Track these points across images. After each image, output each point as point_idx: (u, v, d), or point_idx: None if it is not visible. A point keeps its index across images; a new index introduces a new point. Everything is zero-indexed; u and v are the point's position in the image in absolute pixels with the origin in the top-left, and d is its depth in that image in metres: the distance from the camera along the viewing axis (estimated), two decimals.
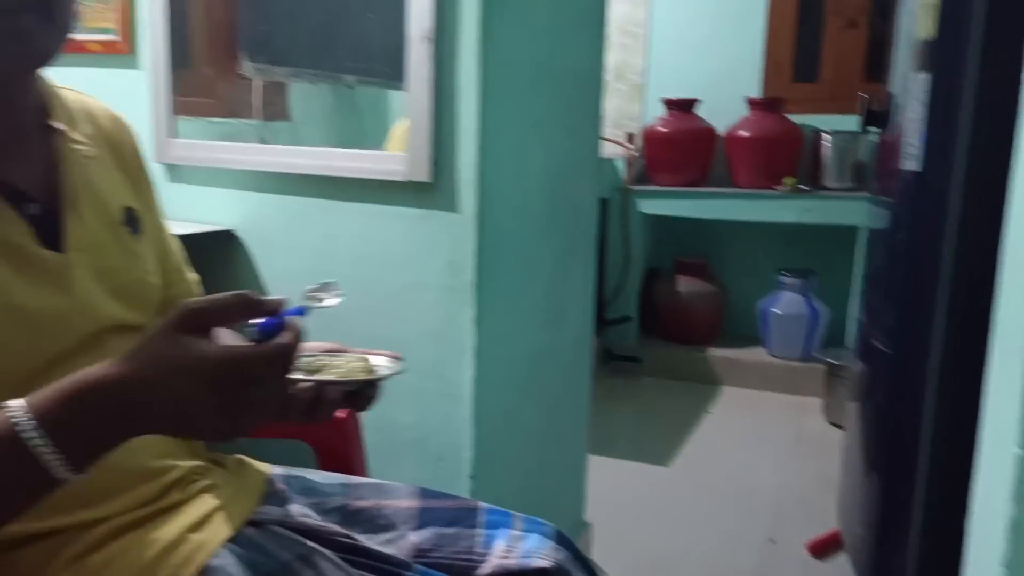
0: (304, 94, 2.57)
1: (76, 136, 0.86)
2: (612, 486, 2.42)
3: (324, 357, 0.85)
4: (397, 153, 1.42)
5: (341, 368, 0.82)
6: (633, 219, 3.58)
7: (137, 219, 0.94)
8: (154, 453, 0.86)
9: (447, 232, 1.40)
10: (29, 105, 0.82)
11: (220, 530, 0.86)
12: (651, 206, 3.55)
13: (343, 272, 1.49)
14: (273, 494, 0.98)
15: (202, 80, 1.98)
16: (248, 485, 0.96)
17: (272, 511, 0.94)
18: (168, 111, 1.57)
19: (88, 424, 0.62)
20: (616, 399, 3.30)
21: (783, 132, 3.34)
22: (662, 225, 3.80)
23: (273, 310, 0.66)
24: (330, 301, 0.76)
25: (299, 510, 0.96)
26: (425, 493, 1.04)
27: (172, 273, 1.00)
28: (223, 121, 2.15)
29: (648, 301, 3.76)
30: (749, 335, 3.68)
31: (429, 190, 1.40)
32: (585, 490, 1.96)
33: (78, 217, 0.83)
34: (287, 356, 0.64)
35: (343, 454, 1.18)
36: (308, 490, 1.01)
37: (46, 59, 0.77)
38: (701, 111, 3.50)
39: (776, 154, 3.34)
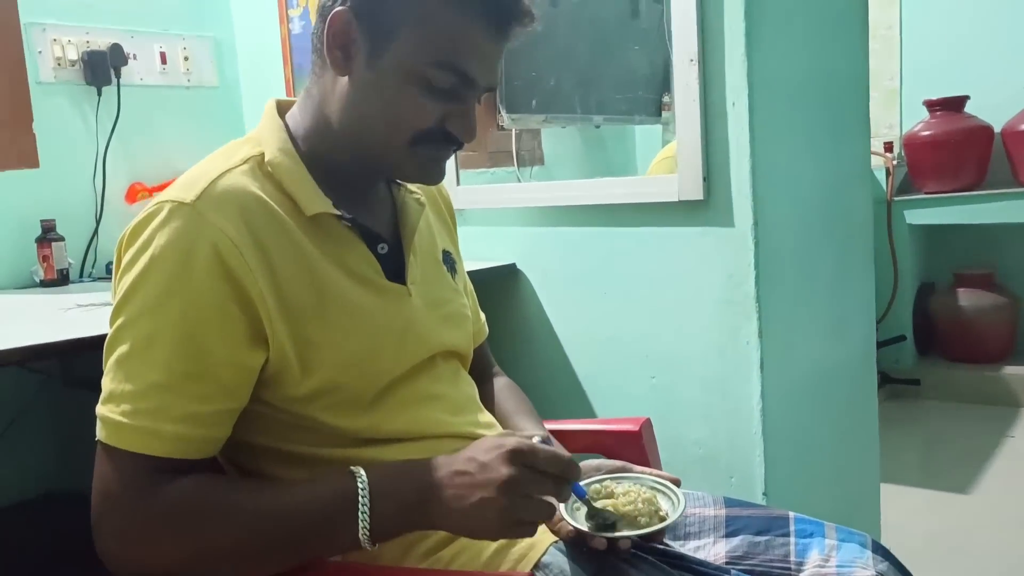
0: (555, 139, 2.71)
1: (411, 188, 1.00)
2: (906, 513, 2.25)
3: (610, 483, 0.91)
4: (668, 175, 1.46)
5: (626, 504, 0.86)
6: (899, 231, 3.34)
7: (453, 261, 1.07)
8: None
9: (723, 247, 1.40)
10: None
11: (548, 532, 0.92)
12: (920, 216, 3.29)
13: (622, 294, 1.54)
14: None
15: None
16: None
17: None
18: (454, 164, 1.74)
19: (398, 502, 0.76)
20: (897, 424, 3.06)
21: None
22: (934, 236, 3.51)
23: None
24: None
25: None
26: (730, 502, 1.05)
27: (472, 312, 1.11)
28: (485, 171, 2.31)
29: (924, 319, 3.47)
30: None
31: (702, 207, 1.42)
32: (879, 515, 1.84)
33: (414, 256, 0.96)
34: (569, 466, 0.76)
35: (641, 465, 1.21)
36: None
37: (439, 181, 0.94)
38: (969, 108, 3.22)
39: None
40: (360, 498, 0.75)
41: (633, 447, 1.21)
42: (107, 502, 0.77)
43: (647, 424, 1.22)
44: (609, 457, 1.22)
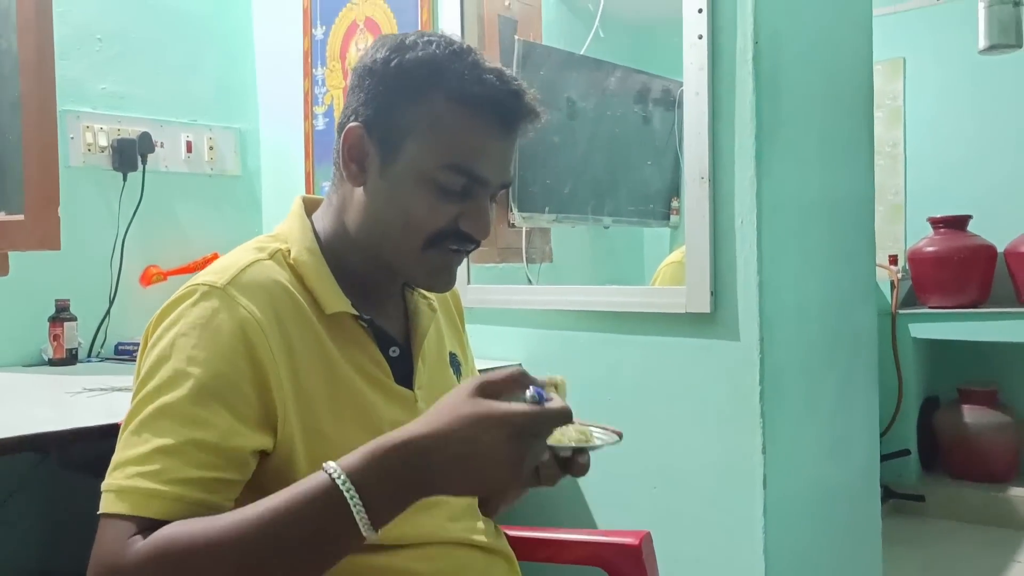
0: (564, 237, 2.75)
1: (425, 294, 1.01)
2: None
3: None
4: (676, 287, 1.49)
5: (559, 435, 0.80)
6: (903, 344, 3.35)
7: (458, 363, 1.08)
8: (480, 570, 0.94)
9: (728, 361, 1.41)
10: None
11: None
12: (925, 330, 3.31)
13: (626, 401, 1.54)
14: None
15: None
16: None
17: None
18: (466, 261, 1.76)
19: (392, 482, 0.70)
20: (900, 542, 2.99)
21: None
22: (938, 350, 3.51)
23: (539, 384, 0.74)
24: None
25: None
26: None
27: None
28: (495, 266, 2.34)
29: (927, 433, 3.44)
30: None
31: (709, 321, 1.43)
32: None
33: (423, 361, 0.97)
34: (568, 414, 0.72)
35: None
36: None
37: (450, 288, 0.94)
38: (972, 227, 3.28)
39: None
40: (349, 501, 0.68)
41: (633, 561, 1.19)
42: (103, 570, 0.71)
43: (647, 538, 1.21)
44: (609, 572, 1.21)
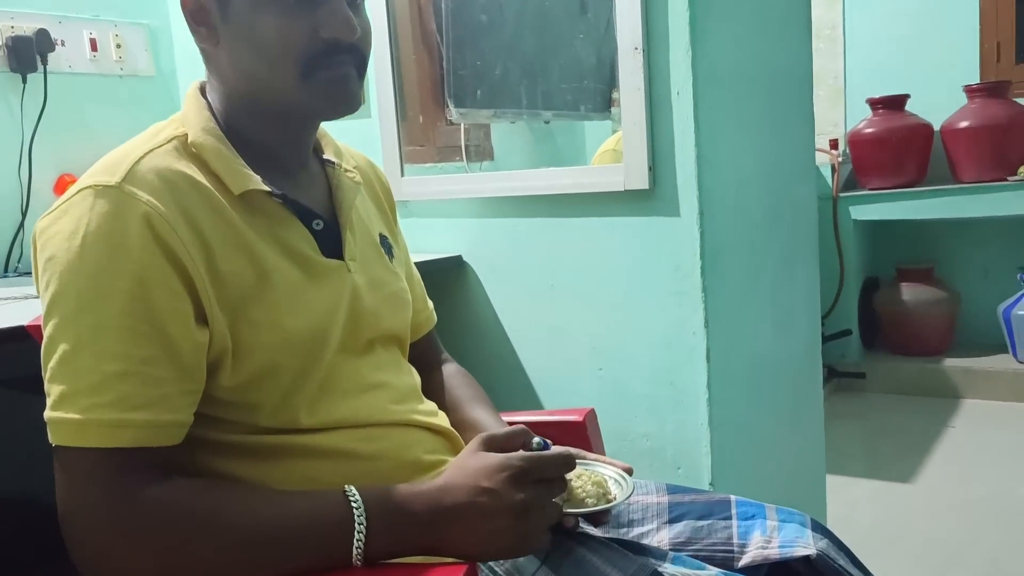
0: (504, 134, 2.68)
1: (347, 167, 0.96)
2: (851, 503, 2.28)
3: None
4: (613, 165, 1.45)
5: (576, 488, 0.85)
6: (844, 227, 3.40)
7: (390, 245, 1.03)
8: (427, 449, 0.92)
9: (669, 237, 1.40)
10: (310, 142, 0.94)
11: None
12: (864, 211, 3.35)
13: (568, 285, 1.53)
14: None
15: (416, 129, 2.12)
16: None
17: None
18: (398, 154, 1.71)
19: (401, 520, 0.73)
20: (843, 416, 3.11)
21: (1011, 118, 3.06)
22: (878, 231, 3.58)
23: (540, 442, 0.82)
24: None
25: None
26: (673, 489, 1.04)
27: (417, 301, 1.08)
28: (434, 166, 2.28)
29: (868, 313, 3.54)
30: (989, 342, 3.37)
31: (648, 197, 1.40)
32: (826, 505, 1.86)
33: (351, 233, 0.93)
34: (569, 461, 0.78)
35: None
36: None
37: (356, 105, 0.88)
38: (910, 107, 3.29)
39: (1004, 142, 3.06)
40: (356, 523, 0.72)
41: (578, 437, 1.19)
42: (79, 511, 0.71)
43: (591, 414, 1.21)
44: (554, 440, 1.21)
